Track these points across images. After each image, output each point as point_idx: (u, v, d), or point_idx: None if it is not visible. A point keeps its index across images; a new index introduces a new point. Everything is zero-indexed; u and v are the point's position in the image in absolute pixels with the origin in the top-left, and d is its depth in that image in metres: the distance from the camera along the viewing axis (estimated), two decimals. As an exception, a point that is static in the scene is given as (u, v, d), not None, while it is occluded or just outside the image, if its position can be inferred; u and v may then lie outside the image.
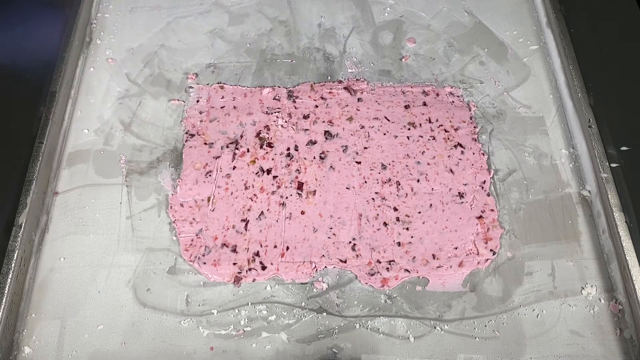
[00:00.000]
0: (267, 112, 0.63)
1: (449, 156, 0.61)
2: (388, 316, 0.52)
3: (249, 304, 0.52)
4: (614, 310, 0.52)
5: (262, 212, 0.57)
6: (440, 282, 0.54)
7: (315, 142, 0.61)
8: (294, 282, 0.54)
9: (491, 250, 0.55)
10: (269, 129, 0.62)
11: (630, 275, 0.51)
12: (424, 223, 0.57)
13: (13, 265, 0.50)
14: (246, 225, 0.56)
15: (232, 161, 0.60)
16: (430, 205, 0.58)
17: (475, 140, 0.62)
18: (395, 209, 0.57)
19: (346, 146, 0.61)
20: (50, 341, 0.50)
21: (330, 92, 0.65)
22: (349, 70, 0.68)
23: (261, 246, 0.55)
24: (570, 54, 0.66)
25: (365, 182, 0.59)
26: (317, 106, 0.64)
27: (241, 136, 0.62)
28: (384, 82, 0.67)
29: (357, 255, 0.55)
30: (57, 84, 0.62)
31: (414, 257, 0.55)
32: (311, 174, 0.59)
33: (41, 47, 0.66)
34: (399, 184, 0.59)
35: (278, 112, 0.63)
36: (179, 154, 0.61)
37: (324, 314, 0.52)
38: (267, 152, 0.61)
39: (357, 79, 0.67)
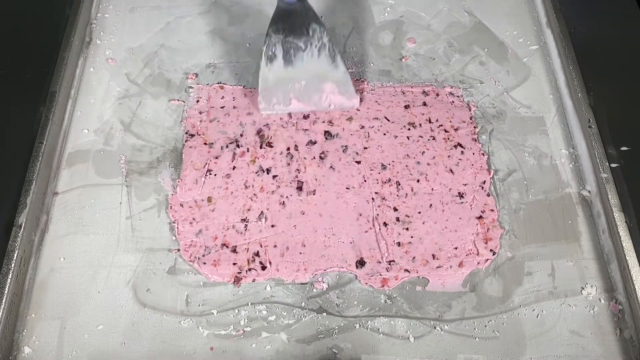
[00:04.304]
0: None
1: (449, 156, 0.61)
2: (388, 316, 0.52)
3: (249, 304, 0.52)
4: (614, 311, 0.52)
5: (262, 212, 0.57)
6: (440, 282, 0.54)
7: (315, 142, 0.61)
8: (294, 282, 0.54)
9: (491, 250, 0.55)
10: (269, 129, 0.62)
11: (630, 275, 0.51)
12: (424, 223, 0.57)
13: (13, 265, 0.50)
14: (246, 225, 0.56)
15: (232, 161, 0.60)
16: (430, 205, 0.58)
17: (475, 141, 0.62)
18: (395, 209, 0.57)
19: (346, 146, 0.61)
20: (50, 341, 0.50)
21: (330, 92, 0.65)
22: (349, 70, 0.67)
23: (261, 246, 0.55)
24: (570, 54, 0.66)
25: (365, 182, 0.59)
26: (317, 106, 0.64)
27: (241, 135, 0.62)
28: (384, 82, 0.67)
29: (357, 256, 0.55)
30: (57, 84, 0.62)
31: (414, 257, 0.55)
32: (311, 173, 0.59)
33: (41, 47, 0.66)
34: (399, 184, 0.59)
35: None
36: (179, 154, 0.61)
37: (324, 314, 0.52)
38: (266, 152, 0.61)
39: (357, 79, 0.67)
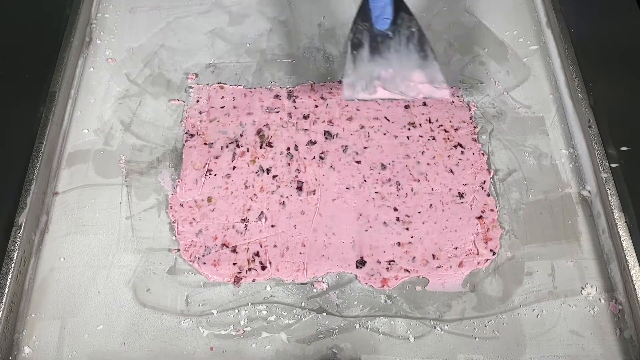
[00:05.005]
0: (267, 110, 0.64)
1: (449, 156, 0.61)
2: (388, 316, 0.52)
3: (249, 304, 0.52)
4: (614, 311, 0.52)
5: (262, 212, 0.57)
6: (440, 282, 0.54)
7: (315, 142, 0.61)
8: (294, 282, 0.54)
9: (491, 250, 0.55)
10: (269, 129, 0.62)
11: (630, 275, 0.51)
12: (424, 223, 0.57)
13: (13, 265, 0.50)
14: (246, 225, 0.56)
15: (232, 161, 0.60)
16: (430, 205, 0.58)
17: (475, 140, 0.62)
18: (395, 209, 0.57)
19: (346, 146, 0.61)
20: (50, 341, 0.50)
21: (330, 92, 0.65)
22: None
23: (261, 246, 0.55)
24: (570, 54, 0.66)
25: (365, 182, 0.59)
26: (317, 106, 0.64)
27: (241, 135, 0.62)
28: (384, 82, 0.67)
29: (357, 256, 0.55)
30: (57, 84, 0.62)
31: (414, 257, 0.55)
32: (311, 173, 0.59)
33: (41, 47, 0.66)
34: (399, 184, 0.59)
35: (277, 111, 0.64)
36: (179, 154, 0.61)
37: (324, 314, 0.52)
38: (266, 152, 0.61)
39: (357, 79, 0.67)
